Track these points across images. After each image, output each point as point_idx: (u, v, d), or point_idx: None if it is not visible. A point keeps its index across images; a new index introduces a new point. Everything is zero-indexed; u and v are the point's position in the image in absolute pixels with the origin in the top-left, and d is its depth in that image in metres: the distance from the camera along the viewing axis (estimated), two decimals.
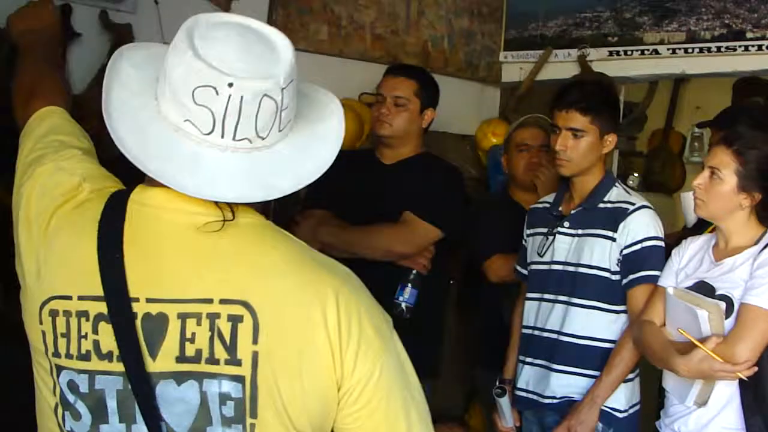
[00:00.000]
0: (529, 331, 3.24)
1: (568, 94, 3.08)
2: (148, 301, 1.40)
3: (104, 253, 1.41)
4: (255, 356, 1.38)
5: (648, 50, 4.43)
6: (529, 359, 3.23)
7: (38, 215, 1.52)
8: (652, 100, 4.86)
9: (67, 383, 1.42)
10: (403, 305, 3.33)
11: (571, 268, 3.10)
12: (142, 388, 1.38)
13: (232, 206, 1.45)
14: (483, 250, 3.75)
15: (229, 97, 1.38)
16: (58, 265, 1.46)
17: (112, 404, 1.40)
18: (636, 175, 6.07)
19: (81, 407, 1.42)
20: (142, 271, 1.40)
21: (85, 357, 1.41)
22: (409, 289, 3.33)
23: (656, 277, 2.95)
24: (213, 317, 1.38)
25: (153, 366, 1.39)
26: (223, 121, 1.39)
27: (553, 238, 3.18)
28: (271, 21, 4.09)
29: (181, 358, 1.39)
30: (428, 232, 3.38)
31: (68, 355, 1.41)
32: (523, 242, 3.38)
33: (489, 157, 4.60)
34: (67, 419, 1.44)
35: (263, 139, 1.43)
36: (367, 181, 3.50)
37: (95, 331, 1.40)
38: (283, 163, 1.47)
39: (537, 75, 4.75)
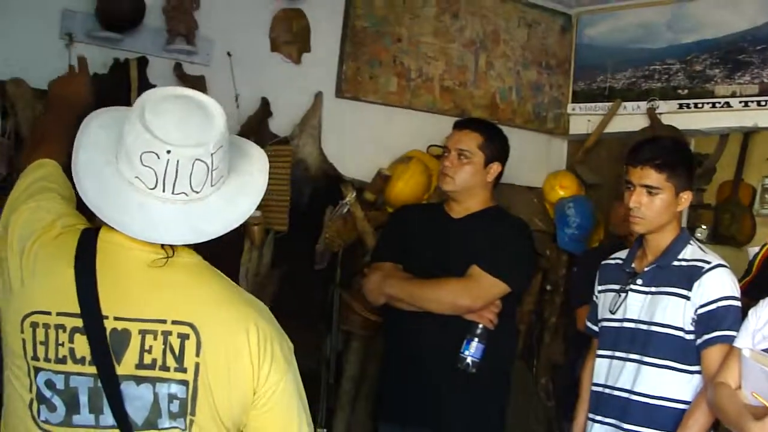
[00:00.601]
0: (600, 389, 3.17)
1: (643, 151, 3.04)
2: (116, 318, 1.73)
3: (80, 279, 1.74)
4: (197, 366, 1.74)
5: (719, 103, 4.39)
6: (599, 417, 3.16)
7: (20, 241, 1.82)
8: (722, 152, 4.78)
9: (45, 382, 1.73)
10: (469, 359, 3.30)
11: (644, 326, 3.04)
12: (110, 387, 1.72)
13: (173, 247, 1.77)
14: (573, 299, 3.79)
15: (168, 161, 1.70)
16: (38, 286, 1.77)
17: (83, 399, 1.73)
18: (704, 227, 5.94)
19: (57, 401, 1.74)
20: (110, 295, 1.74)
21: (62, 361, 1.73)
22: (475, 343, 3.30)
23: (732, 338, 2.87)
24: (166, 334, 1.74)
25: (119, 369, 1.72)
26: (164, 179, 1.71)
27: (626, 296, 3.12)
28: (341, 73, 4.14)
29: (140, 365, 1.73)
30: (494, 287, 3.35)
31: (46, 359, 1.73)
32: (594, 298, 3.33)
33: (556, 209, 4.57)
34: (42, 411, 1.75)
35: (197, 192, 1.75)
36: (435, 234, 3.50)
37: (71, 340, 1.73)
38: (213, 212, 1.77)
39: (605, 127, 4.72)
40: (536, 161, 4.78)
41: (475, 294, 3.33)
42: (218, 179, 1.77)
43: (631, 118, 4.67)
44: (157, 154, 1.70)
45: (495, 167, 3.50)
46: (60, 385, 1.73)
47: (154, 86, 3.58)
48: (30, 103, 3.38)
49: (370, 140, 4.23)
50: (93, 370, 1.72)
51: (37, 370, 1.74)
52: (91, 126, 1.84)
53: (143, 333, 1.73)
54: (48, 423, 1.75)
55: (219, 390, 1.76)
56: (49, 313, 1.74)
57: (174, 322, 1.74)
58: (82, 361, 1.73)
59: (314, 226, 4.01)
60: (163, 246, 1.76)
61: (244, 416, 1.82)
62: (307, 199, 4.03)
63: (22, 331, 1.74)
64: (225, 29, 3.86)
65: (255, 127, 3.88)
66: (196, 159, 1.71)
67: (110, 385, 1.72)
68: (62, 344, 1.73)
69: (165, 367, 1.73)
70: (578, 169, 4.77)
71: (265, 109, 3.92)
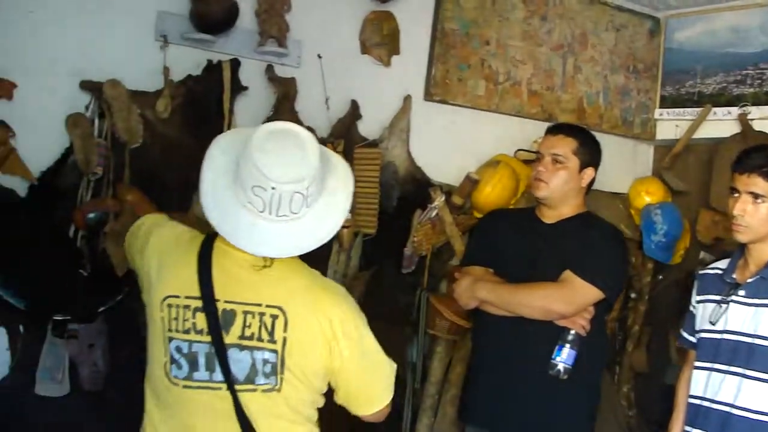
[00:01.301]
0: (698, 402, 3.10)
1: (751, 157, 2.96)
2: (225, 302, 2.29)
3: (201, 272, 2.31)
4: (284, 340, 2.28)
5: None
6: (696, 430, 3.10)
7: (157, 249, 2.43)
8: None
9: (175, 348, 2.30)
10: (561, 366, 3.25)
11: (747, 339, 2.96)
12: (220, 352, 2.27)
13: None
14: None
15: (272, 194, 2.16)
16: (171, 277, 2.35)
17: (201, 360, 2.30)
18: None
19: (183, 362, 2.30)
20: (222, 284, 2.29)
21: (187, 332, 2.30)
22: (567, 349, 3.26)
23: None
24: (261, 314, 2.28)
25: (227, 339, 2.28)
26: (270, 205, 2.18)
27: (727, 307, 3.05)
28: (429, 76, 4.12)
29: (242, 337, 2.29)
30: (588, 293, 3.30)
31: (177, 331, 2.30)
32: (692, 308, 3.26)
33: (642, 216, 4.49)
34: (173, 369, 2.31)
35: (296, 213, 2.21)
36: (527, 240, 3.46)
37: (194, 317, 2.29)
38: (308, 231, 2.25)
39: (694, 133, 4.63)
40: (622, 167, 4.70)
41: (569, 299, 3.28)
42: (312, 201, 2.23)
43: (720, 124, 4.57)
44: (263, 188, 2.16)
45: (589, 172, 3.45)
46: (185, 350, 2.30)
47: (245, 88, 3.66)
48: (126, 105, 3.43)
49: (457, 144, 4.20)
50: (209, 339, 2.28)
51: (170, 339, 2.31)
52: (214, 152, 2.31)
53: (245, 313, 2.28)
54: (177, 378, 2.32)
55: (302, 358, 2.29)
56: (178, 297, 2.31)
57: (267, 306, 2.28)
58: (201, 332, 2.29)
59: (402, 230, 4.00)
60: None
61: (330, 377, 2.39)
62: (395, 202, 4.02)
63: (161, 311, 2.32)
64: (316, 31, 3.87)
65: (344, 130, 3.88)
66: (295, 192, 2.17)
67: (220, 350, 2.27)
68: (187, 320, 2.30)
69: (260, 339, 2.28)
70: (665, 176, 4.68)
71: (354, 111, 3.92)
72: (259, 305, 2.28)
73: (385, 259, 4.00)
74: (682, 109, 4.72)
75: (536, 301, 3.28)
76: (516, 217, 3.65)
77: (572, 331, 3.26)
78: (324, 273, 3.78)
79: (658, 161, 4.82)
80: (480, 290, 3.38)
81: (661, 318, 4.59)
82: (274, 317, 2.27)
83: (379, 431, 3.96)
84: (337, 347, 2.32)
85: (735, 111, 4.49)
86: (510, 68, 4.34)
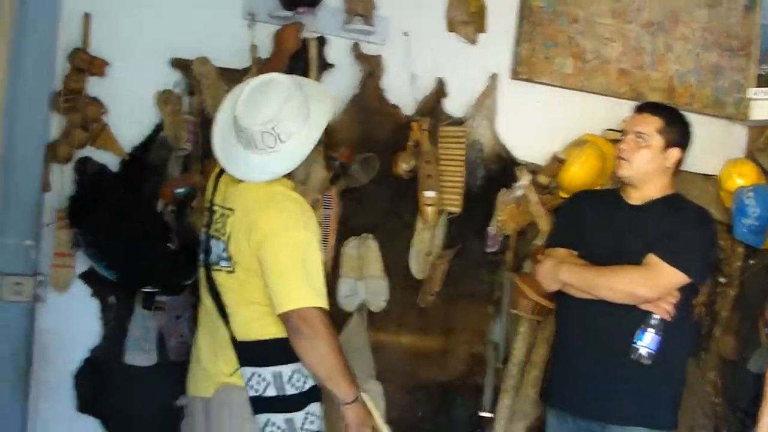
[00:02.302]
0: None
1: None
2: (215, 205, 2.94)
3: (212, 188, 3.02)
4: (229, 234, 2.79)
5: None
6: None
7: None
8: None
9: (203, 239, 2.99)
10: (642, 350, 3.19)
11: None
12: (206, 240, 2.93)
13: None
14: None
15: (247, 134, 2.73)
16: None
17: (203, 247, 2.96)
18: None
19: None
20: (219, 194, 2.96)
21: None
22: (650, 334, 3.20)
23: None
24: (223, 214, 2.85)
25: (210, 231, 2.93)
26: (249, 142, 2.75)
27: None
28: (515, 54, 4.08)
29: (215, 230, 2.88)
30: (673, 277, 3.23)
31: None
32: None
33: (734, 198, 4.38)
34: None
35: (272, 148, 2.74)
36: (612, 221, 3.40)
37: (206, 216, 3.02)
38: (282, 160, 2.76)
39: None
40: (714, 148, 4.55)
41: (653, 283, 3.22)
42: (287, 136, 2.73)
43: None
44: (241, 129, 2.73)
45: (674, 153, 3.37)
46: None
47: (331, 65, 3.68)
48: (215, 82, 3.48)
49: (544, 123, 4.14)
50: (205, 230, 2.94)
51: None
52: (224, 105, 2.92)
53: (220, 214, 2.86)
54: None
55: (238, 250, 2.75)
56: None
57: (227, 208, 2.83)
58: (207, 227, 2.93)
59: (486, 209, 3.98)
60: None
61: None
62: (481, 181, 4.00)
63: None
64: (402, 9, 3.86)
65: (430, 108, 3.88)
66: (263, 132, 2.71)
67: (206, 239, 2.91)
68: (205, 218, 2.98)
69: (221, 232, 2.83)
70: (759, 157, 4.55)
71: (440, 89, 3.91)
72: (224, 207, 2.85)
73: (469, 238, 3.98)
74: None
75: (619, 284, 3.23)
76: (601, 199, 3.60)
77: (656, 316, 3.20)
78: (407, 250, 3.83)
79: (752, 142, 4.68)
80: (563, 273, 3.34)
81: (752, 303, 4.46)
82: (227, 216, 2.81)
83: (459, 409, 4.03)
84: (258, 246, 2.68)
85: None
86: (598, 46, 4.26)
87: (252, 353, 2.78)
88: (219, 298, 2.83)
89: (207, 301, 2.90)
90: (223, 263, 2.81)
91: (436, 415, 4.02)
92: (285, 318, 2.66)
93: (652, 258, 3.23)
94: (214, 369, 2.85)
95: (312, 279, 2.69)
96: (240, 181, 2.82)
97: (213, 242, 2.85)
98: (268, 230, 2.68)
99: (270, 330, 2.77)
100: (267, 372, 2.75)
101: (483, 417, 4.03)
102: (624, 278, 3.24)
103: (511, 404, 3.99)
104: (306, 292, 2.67)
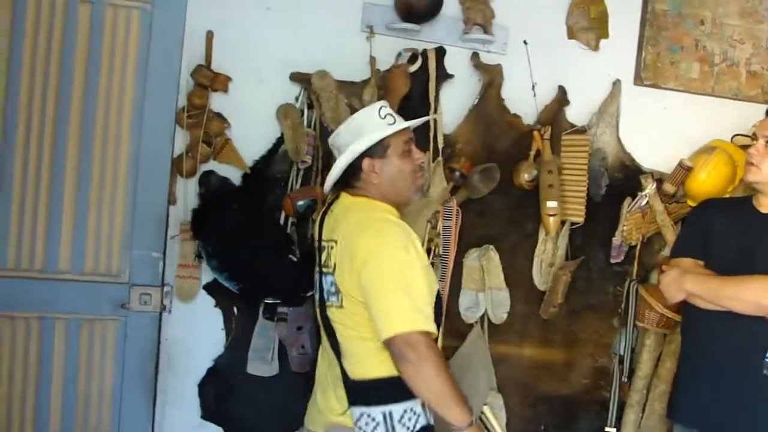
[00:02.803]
0: None
1: None
2: (322, 240, 2.92)
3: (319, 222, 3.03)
4: (335, 266, 2.78)
5: None
6: None
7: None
8: None
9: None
10: None
11: None
12: (319, 276, 2.92)
13: (336, 193, 2.97)
14: None
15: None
16: None
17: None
18: None
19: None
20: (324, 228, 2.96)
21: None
22: None
23: None
24: (329, 246, 2.84)
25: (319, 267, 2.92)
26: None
27: None
28: (639, 59, 3.98)
29: (323, 265, 2.87)
30: None
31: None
32: None
33: None
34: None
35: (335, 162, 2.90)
36: (742, 230, 3.28)
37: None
38: (333, 170, 2.89)
39: None
40: None
41: None
42: (340, 150, 2.88)
43: None
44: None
45: None
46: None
47: (451, 76, 3.67)
48: (334, 95, 3.51)
49: (670, 129, 4.03)
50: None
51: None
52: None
53: (326, 247, 2.86)
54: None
55: (342, 280, 2.72)
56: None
57: (331, 240, 2.81)
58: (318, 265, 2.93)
59: (610, 219, 3.89)
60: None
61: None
62: (604, 190, 3.91)
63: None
64: (521, 17, 3.82)
65: (551, 116, 3.82)
66: (331, 146, 2.98)
67: (319, 275, 2.90)
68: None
69: (327, 266, 2.82)
70: None
71: (562, 97, 3.84)
72: (329, 240, 2.82)
73: (592, 249, 3.90)
74: None
75: (748, 294, 3.10)
76: (731, 207, 3.46)
77: None
78: (530, 261, 3.78)
79: None
80: (687, 282, 3.23)
81: None
82: (332, 248, 2.78)
83: (583, 423, 3.94)
84: (358, 273, 2.64)
85: None
86: (726, 48, 4.12)
87: (362, 392, 2.72)
88: (334, 335, 2.81)
89: (324, 339, 2.89)
90: (332, 298, 2.79)
91: (559, 428, 3.95)
92: (389, 344, 2.59)
93: None
94: (325, 406, 2.85)
95: (415, 301, 2.60)
96: (342, 212, 2.84)
97: (323, 278, 2.84)
98: (366, 254, 2.64)
99: (383, 368, 2.69)
100: (377, 412, 2.68)
101: None
102: (752, 288, 3.12)
103: (636, 420, 3.90)
104: (409, 315, 2.58)
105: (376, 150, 2.82)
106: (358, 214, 2.78)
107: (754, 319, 3.09)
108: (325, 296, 2.83)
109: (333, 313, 2.79)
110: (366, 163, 2.81)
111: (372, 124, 2.83)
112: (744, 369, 3.12)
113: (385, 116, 2.85)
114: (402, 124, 2.87)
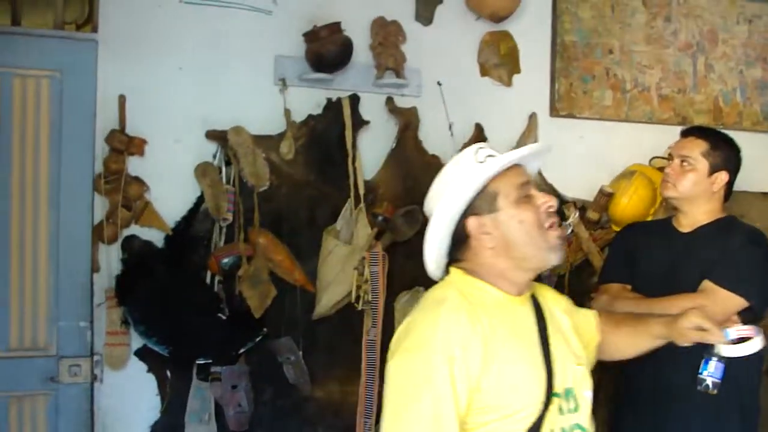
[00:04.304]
0: None
1: None
2: None
3: None
4: None
5: None
6: None
7: None
8: None
9: None
10: (709, 380, 3.06)
11: None
12: None
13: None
14: None
15: None
16: None
17: None
18: None
19: None
20: None
21: None
22: (714, 362, 3.07)
23: None
24: None
25: None
26: None
27: None
28: (553, 90, 4.04)
29: None
30: (729, 301, 3.13)
31: None
32: None
33: None
34: None
35: None
36: (663, 251, 3.32)
37: None
38: None
39: None
40: None
41: (710, 310, 3.12)
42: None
43: None
44: None
45: (721, 176, 3.29)
46: None
47: (367, 122, 3.69)
48: (251, 149, 3.51)
49: (588, 157, 4.09)
50: None
51: None
52: None
53: None
54: None
55: None
56: None
57: None
58: None
59: None
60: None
61: None
62: None
63: None
64: (433, 58, 3.86)
65: None
66: None
67: None
68: None
69: None
70: None
71: (479, 134, 3.88)
72: None
73: None
74: None
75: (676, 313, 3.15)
76: (653, 229, 3.52)
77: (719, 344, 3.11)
78: None
79: None
80: (617, 307, 3.26)
81: None
82: None
83: None
84: None
85: None
86: (637, 74, 4.21)
87: None
88: None
89: None
90: None
91: None
92: None
93: (707, 284, 3.14)
94: None
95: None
96: None
97: None
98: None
99: None
100: None
101: None
102: (680, 307, 3.15)
103: None
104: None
105: (482, 204, 2.09)
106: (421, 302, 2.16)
107: None
108: None
109: None
110: (472, 223, 2.09)
111: (466, 171, 2.11)
112: (681, 388, 3.14)
113: (485, 159, 2.11)
114: (503, 158, 2.11)
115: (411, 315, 2.07)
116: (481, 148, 2.14)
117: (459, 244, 2.13)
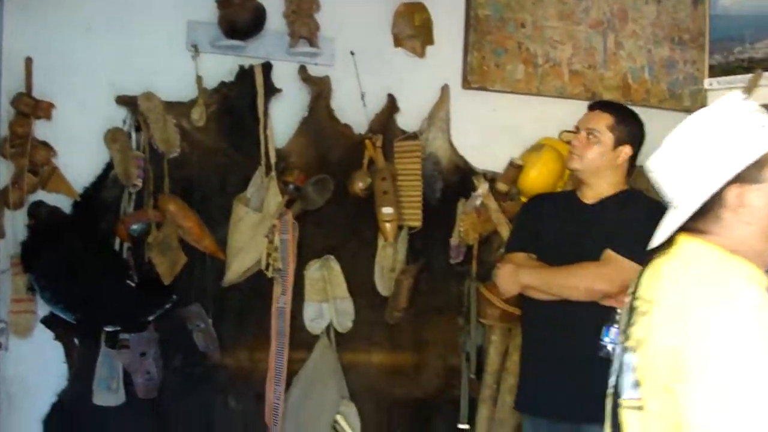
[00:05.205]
0: None
1: None
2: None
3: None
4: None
5: None
6: None
7: None
8: None
9: None
10: (610, 347, 3.16)
11: None
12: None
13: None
14: None
15: None
16: None
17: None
18: None
19: None
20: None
21: None
22: (615, 330, 3.17)
23: None
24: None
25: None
26: None
27: None
28: (466, 64, 4.08)
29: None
30: (630, 270, 3.17)
31: None
32: None
33: None
34: None
35: None
36: (568, 222, 3.40)
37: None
38: None
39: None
40: None
41: (611, 278, 3.20)
42: None
43: None
44: None
45: (625, 150, 3.37)
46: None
47: (279, 90, 3.67)
48: (161, 116, 3.48)
49: (500, 130, 4.14)
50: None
51: None
52: None
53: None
54: None
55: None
56: None
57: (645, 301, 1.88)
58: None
59: (448, 221, 3.96)
60: None
61: None
62: (439, 193, 3.99)
63: None
64: (347, 28, 3.86)
65: (382, 124, 3.87)
66: None
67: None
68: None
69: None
70: None
71: (391, 105, 3.90)
72: (641, 298, 1.92)
73: (433, 252, 3.97)
74: (732, 77, 4.56)
75: (579, 281, 3.23)
76: (558, 200, 3.60)
77: (619, 311, 3.19)
78: (371, 268, 3.82)
79: None
80: (522, 275, 3.34)
81: None
82: (644, 312, 1.86)
83: (438, 423, 4.00)
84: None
85: None
86: (548, 50, 4.26)
87: None
88: None
89: None
90: (628, 392, 1.87)
91: (415, 431, 3.99)
92: None
93: (608, 253, 3.22)
94: None
95: None
96: (680, 264, 1.91)
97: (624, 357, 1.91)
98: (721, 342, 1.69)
99: None
100: None
101: (462, 429, 3.99)
102: (582, 275, 3.24)
103: (489, 415, 3.97)
104: None
105: (750, 172, 1.80)
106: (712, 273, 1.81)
107: (587, 305, 3.21)
108: (616, 385, 1.93)
109: (626, 417, 1.87)
110: (733, 192, 1.81)
111: (748, 134, 1.82)
112: (582, 353, 3.22)
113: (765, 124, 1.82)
114: None
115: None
116: (755, 110, 1.84)
117: (705, 212, 1.84)
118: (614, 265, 3.19)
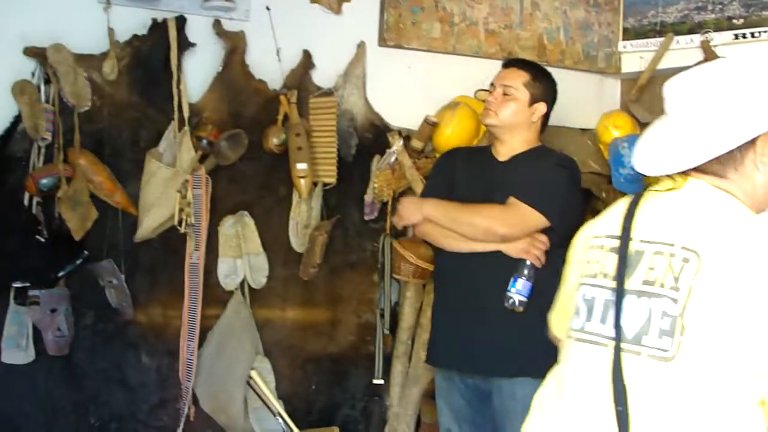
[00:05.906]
0: None
1: None
2: (640, 241, 1.89)
3: (628, 211, 1.95)
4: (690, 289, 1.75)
5: None
6: None
7: None
8: None
9: (582, 294, 1.99)
10: (515, 298, 3.21)
11: None
12: (618, 299, 1.87)
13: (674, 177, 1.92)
14: None
15: None
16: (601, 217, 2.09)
17: (597, 309, 1.94)
18: None
19: (582, 310, 1.98)
20: (640, 224, 1.91)
21: (594, 276, 1.97)
22: (522, 281, 3.21)
23: None
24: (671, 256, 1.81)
25: (626, 285, 1.87)
26: None
27: None
28: (382, 21, 4.07)
29: (645, 282, 1.84)
30: (531, 216, 3.27)
31: (587, 276, 2.00)
32: None
33: (610, 150, 4.45)
34: (573, 319, 2.01)
35: None
36: (481, 176, 3.46)
37: (605, 258, 1.95)
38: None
39: (658, 64, 4.58)
40: (589, 102, 4.64)
41: (512, 222, 3.26)
42: None
43: (685, 53, 4.49)
44: None
45: (540, 107, 3.44)
46: (588, 296, 1.98)
47: (193, 45, 3.64)
48: (72, 68, 3.42)
49: (415, 88, 4.16)
50: (612, 284, 1.91)
51: (581, 285, 2.02)
52: None
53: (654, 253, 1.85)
54: (572, 329, 2.01)
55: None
56: (599, 237, 2.02)
57: (682, 248, 1.80)
58: (606, 275, 1.94)
59: (363, 177, 3.99)
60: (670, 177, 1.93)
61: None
62: (354, 150, 4.01)
63: (585, 256, 2.05)
64: None
65: (297, 81, 3.86)
66: None
67: (618, 297, 1.88)
68: (598, 262, 1.98)
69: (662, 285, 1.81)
70: (632, 109, 4.62)
71: (307, 61, 3.89)
72: (656, 241, 1.86)
73: (347, 208, 3.99)
74: (645, 41, 4.65)
75: (480, 220, 3.29)
76: (473, 155, 3.64)
77: (527, 263, 3.24)
78: (286, 224, 3.81)
79: (625, 95, 4.77)
80: (426, 206, 3.41)
81: None
82: (671, 255, 1.81)
83: (353, 378, 4.03)
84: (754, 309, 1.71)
85: (697, 38, 4.43)
86: (465, 9, 4.28)
87: None
88: (624, 401, 1.81)
89: (586, 398, 1.91)
90: (652, 341, 1.80)
91: (330, 386, 4.02)
92: None
93: (512, 199, 3.30)
94: None
95: None
96: (699, 208, 1.88)
97: (635, 302, 1.86)
98: None
99: None
100: None
101: (377, 385, 4.04)
102: (484, 214, 3.30)
103: (404, 370, 4.03)
104: None
105: None
106: (744, 220, 1.82)
107: (494, 257, 3.28)
108: (628, 335, 1.85)
109: (640, 368, 1.81)
110: (762, 144, 1.83)
111: None
112: (489, 305, 3.27)
113: None
114: None
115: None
116: None
117: (726, 155, 1.84)
118: (517, 211, 3.27)
